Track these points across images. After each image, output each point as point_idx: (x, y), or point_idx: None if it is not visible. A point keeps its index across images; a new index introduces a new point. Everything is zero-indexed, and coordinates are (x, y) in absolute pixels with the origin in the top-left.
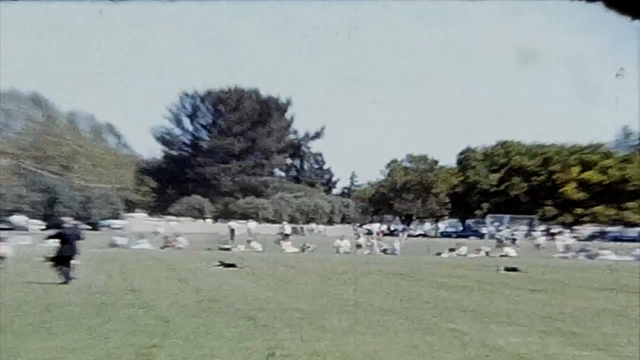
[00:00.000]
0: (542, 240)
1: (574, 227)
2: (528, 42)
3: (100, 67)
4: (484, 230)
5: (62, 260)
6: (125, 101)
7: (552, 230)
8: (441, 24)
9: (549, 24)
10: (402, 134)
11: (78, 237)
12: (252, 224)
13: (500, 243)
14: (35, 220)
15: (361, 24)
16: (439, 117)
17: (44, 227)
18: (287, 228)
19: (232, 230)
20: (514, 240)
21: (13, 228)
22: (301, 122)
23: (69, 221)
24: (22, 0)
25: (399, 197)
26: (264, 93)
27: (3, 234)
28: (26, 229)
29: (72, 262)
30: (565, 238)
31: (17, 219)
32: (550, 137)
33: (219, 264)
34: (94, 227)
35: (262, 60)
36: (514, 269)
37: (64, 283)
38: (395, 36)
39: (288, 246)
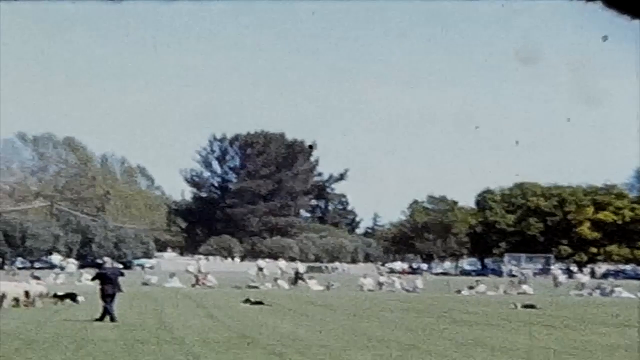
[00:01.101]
0: (562, 278)
1: (589, 266)
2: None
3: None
4: (502, 268)
5: (104, 298)
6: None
7: (571, 268)
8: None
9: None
10: (422, 175)
11: (120, 275)
12: (282, 263)
13: (519, 280)
14: (72, 260)
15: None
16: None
17: (79, 266)
18: (301, 267)
19: (261, 269)
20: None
21: (50, 267)
22: (325, 165)
23: (109, 261)
24: (22, 0)
25: (420, 237)
26: (290, 137)
27: (39, 272)
28: (62, 268)
29: (112, 301)
30: (582, 276)
31: (55, 258)
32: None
33: (247, 301)
34: (127, 266)
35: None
36: (531, 306)
37: (99, 320)
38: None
39: (313, 284)
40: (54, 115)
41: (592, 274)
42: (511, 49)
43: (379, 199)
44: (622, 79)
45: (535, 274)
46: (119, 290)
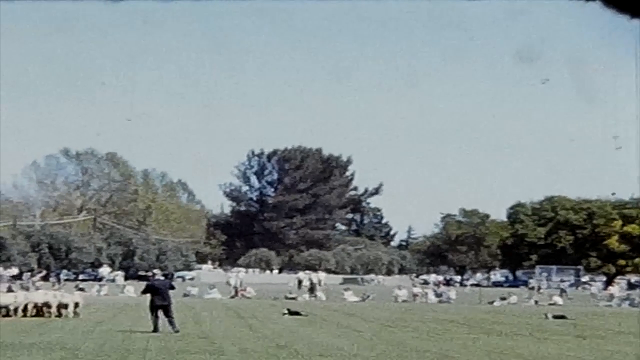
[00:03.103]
0: (595, 289)
1: (618, 277)
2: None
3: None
4: (532, 280)
5: (153, 309)
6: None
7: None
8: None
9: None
10: (456, 189)
11: (170, 288)
12: (322, 275)
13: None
14: (120, 272)
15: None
16: (490, 172)
17: (124, 278)
18: (315, 277)
19: (300, 281)
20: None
21: (93, 279)
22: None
23: (159, 273)
24: (23, 0)
25: (453, 249)
26: (326, 152)
27: (83, 284)
28: (113, 280)
29: (168, 312)
30: (615, 288)
31: (104, 270)
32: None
33: (285, 312)
34: (168, 278)
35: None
36: (562, 317)
37: (154, 331)
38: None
39: (350, 295)
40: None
41: (631, 286)
42: (513, 50)
43: (413, 212)
44: (622, 79)
45: (570, 285)
46: (168, 302)
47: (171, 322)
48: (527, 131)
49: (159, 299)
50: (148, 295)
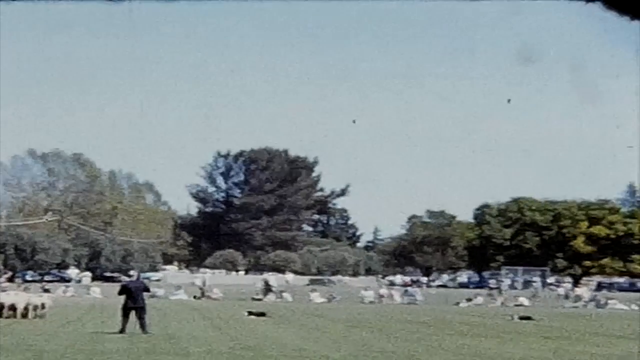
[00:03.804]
0: (562, 290)
1: (584, 279)
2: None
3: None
4: (502, 281)
5: (125, 311)
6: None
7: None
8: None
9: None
10: (422, 190)
11: (144, 290)
12: (289, 276)
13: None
14: (87, 273)
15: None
16: (457, 173)
17: (91, 279)
18: (271, 279)
19: (266, 282)
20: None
21: (59, 280)
22: (328, 180)
23: (135, 274)
24: (23, 1)
25: (419, 250)
26: (293, 153)
27: (49, 285)
28: (79, 281)
29: (140, 314)
30: (584, 289)
31: (73, 272)
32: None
33: (251, 313)
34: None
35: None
36: (528, 318)
37: (121, 332)
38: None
39: (316, 296)
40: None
41: (602, 287)
42: (510, 54)
43: (379, 213)
44: (622, 79)
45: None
46: (137, 304)
47: (142, 324)
48: (495, 133)
49: (133, 301)
50: (119, 296)
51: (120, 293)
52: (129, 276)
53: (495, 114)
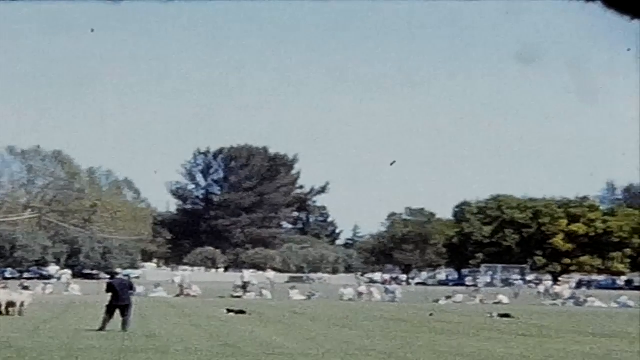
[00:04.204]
0: (542, 288)
1: (563, 276)
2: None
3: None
4: (479, 278)
5: (110, 308)
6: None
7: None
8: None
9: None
10: (402, 188)
11: (129, 288)
12: (270, 274)
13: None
14: (67, 270)
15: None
16: (436, 171)
17: (71, 276)
18: (247, 275)
19: (242, 279)
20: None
21: (39, 277)
22: (307, 178)
23: (121, 272)
24: (22, 0)
25: (399, 248)
26: (273, 150)
27: (28, 282)
28: (59, 278)
29: (125, 311)
30: (564, 287)
31: (53, 269)
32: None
33: (230, 311)
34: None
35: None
36: (506, 315)
37: (101, 330)
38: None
39: (295, 294)
40: (43, 128)
41: (581, 285)
42: (509, 51)
43: (359, 211)
44: (621, 80)
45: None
46: (123, 302)
47: (124, 322)
48: (475, 131)
49: (118, 299)
50: (106, 294)
51: (107, 291)
52: (109, 274)
53: (480, 113)
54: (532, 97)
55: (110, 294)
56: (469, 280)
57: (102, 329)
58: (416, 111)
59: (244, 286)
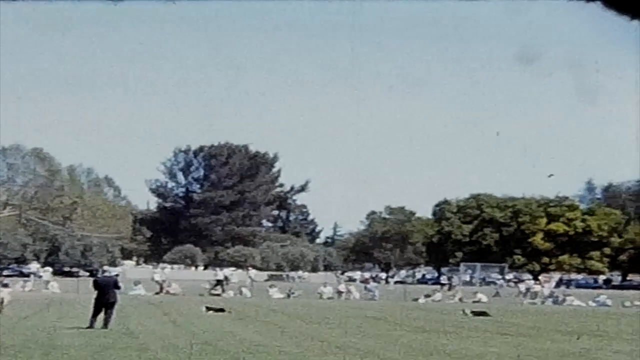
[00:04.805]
0: (523, 287)
1: (543, 275)
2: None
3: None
4: (453, 277)
5: (96, 306)
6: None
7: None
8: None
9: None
10: (382, 186)
11: (114, 286)
12: (252, 272)
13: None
14: (48, 268)
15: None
16: (416, 169)
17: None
18: (220, 274)
19: (226, 277)
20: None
21: (19, 274)
22: (287, 176)
23: (108, 269)
24: (22, 0)
25: (379, 246)
26: (253, 148)
27: (7, 280)
28: (39, 276)
29: (109, 309)
30: (546, 285)
31: (33, 266)
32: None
33: (209, 309)
34: (93, 274)
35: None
36: (482, 313)
37: (89, 327)
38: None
39: (275, 292)
40: (23, 125)
41: (561, 283)
42: (507, 50)
43: (339, 209)
44: (621, 80)
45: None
46: (113, 300)
47: (107, 320)
48: (456, 129)
49: (104, 296)
50: (92, 291)
51: (94, 288)
52: (89, 272)
53: (461, 113)
54: (522, 98)
55: (96, 292)
56: (443, 280)
57: (90, 326)
58: (397, 110)
59: (220, 283)
